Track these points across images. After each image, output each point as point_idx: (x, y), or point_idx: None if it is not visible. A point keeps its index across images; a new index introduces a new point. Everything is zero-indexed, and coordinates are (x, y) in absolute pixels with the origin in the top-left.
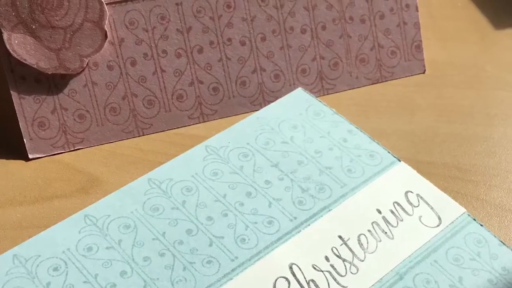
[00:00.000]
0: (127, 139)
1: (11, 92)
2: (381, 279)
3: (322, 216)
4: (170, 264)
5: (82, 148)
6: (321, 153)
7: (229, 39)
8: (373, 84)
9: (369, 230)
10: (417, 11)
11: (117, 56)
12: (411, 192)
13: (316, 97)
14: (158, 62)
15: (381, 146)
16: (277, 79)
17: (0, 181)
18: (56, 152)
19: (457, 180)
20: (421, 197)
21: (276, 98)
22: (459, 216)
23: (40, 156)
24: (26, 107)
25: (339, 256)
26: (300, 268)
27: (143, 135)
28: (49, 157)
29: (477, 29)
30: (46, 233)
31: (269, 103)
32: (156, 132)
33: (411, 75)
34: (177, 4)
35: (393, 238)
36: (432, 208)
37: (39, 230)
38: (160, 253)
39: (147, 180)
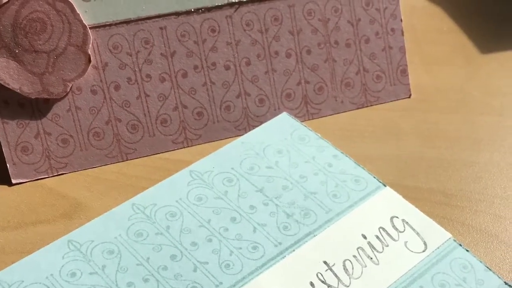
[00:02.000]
0: (111, 164)
1: None
2: None
3: (307, 241)
4: None
5: (65, 173)
6: (306, 178)
7: (214, 64)
8: (358, 108)
9: (354, 256)
10: (403, 35)
11: (101, 81)
12: (397, 217)
13: (301, 121)
14: (142, 86)
15: (366, 171)
16: (261, 103)
17: None
18: (39, 177)
19: (443, 206)
20: (407, 222)
21: (261, 123)
22: (445, 242)
23: (24, 181)
24: (9, 132)
25: (324, 282)
26: None
27: (127, 160)
28: (32, 182)
29: (463, 53)
30: (30, 258)
31: (253, 128)
32: (140, 157)
33: (397, 100)
34: (161, 28)
35: (378, 264)
36: (417, 233)
37: (23, 256)
38: (144, 279)
39: (131, 205)
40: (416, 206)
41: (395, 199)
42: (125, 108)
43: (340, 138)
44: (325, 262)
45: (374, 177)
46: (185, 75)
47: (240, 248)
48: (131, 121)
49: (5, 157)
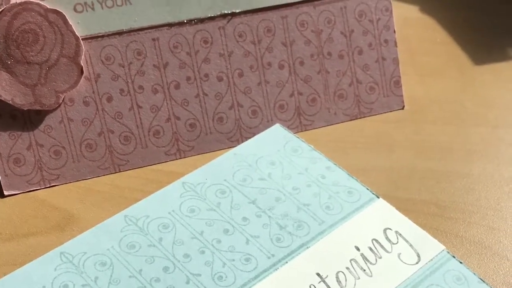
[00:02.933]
0: (103, 175)
1: None
2: None
3: (300, 253)
4: None
5: (58, 185)
6: (299, 189)
7: (206, 75)
8: (351, 120)
9: (347, 268)
10: (396, 46)
11: (93, 92)
12: (390, 229)
13: (294, 133)
14: (134, 98)
15: (359, 183)
16: (254, 115)
17: None
18: (31, 189)
19: (436, 217)
20: (400, 234)
21: (254, 134)
22: (438, 253)
23: (16, 192)
24: (2, 143)
25: None
26: None
27: (120, 171)
28: (24, 193)
29: (456, 65)
30: (22, 270)
31: (246, 139)
32: (133, 169)
33: (390, 111)
34: (153, 39)
35: (371, 276)
36: (411, 245)
37: (15, 268)
38: None
39: (123, 217)
40: (410, 218)
41: (388, 211)
42: (117, 119)
43: (333, 149)
44: (318, 274)
45: (367, 189)
46: (177, 86)
47: (233, 260)
48: (123, 133)
49: None
